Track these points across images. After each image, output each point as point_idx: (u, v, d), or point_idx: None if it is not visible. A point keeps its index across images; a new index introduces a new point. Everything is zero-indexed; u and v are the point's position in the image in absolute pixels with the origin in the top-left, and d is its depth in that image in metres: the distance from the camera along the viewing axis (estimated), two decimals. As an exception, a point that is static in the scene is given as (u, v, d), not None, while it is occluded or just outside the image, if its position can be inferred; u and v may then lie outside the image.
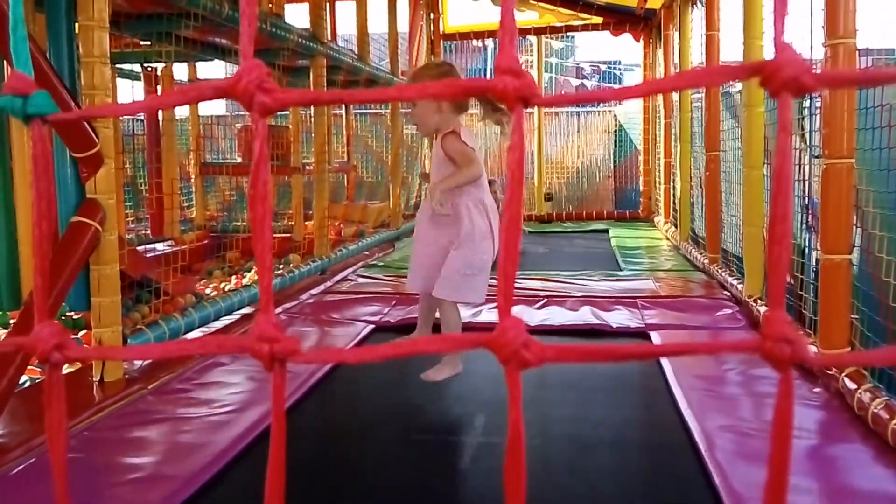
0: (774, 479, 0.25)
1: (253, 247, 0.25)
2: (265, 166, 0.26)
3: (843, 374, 2.30)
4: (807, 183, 3.20)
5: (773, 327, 0.24)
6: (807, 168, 3.22)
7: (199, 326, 3.21)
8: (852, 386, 2.21)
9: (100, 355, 0.35)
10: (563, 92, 13.82)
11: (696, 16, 5.47)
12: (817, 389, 2.38)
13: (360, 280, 4.63)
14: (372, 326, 3.41)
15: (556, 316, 3.55)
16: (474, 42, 10.79)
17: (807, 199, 3.19)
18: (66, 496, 0.29)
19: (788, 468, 0.26)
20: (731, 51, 5.15)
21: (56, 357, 0.27)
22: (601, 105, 14.03)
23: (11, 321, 3.35)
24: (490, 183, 5.07)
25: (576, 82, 14.45)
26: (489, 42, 11.22)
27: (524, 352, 0.25)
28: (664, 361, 2.79)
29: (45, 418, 0.30)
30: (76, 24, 2.66)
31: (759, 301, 3.39)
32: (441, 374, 2.40)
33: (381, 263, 5.34)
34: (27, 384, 2.65)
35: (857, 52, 2.46)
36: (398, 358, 0.28)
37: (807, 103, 3.38)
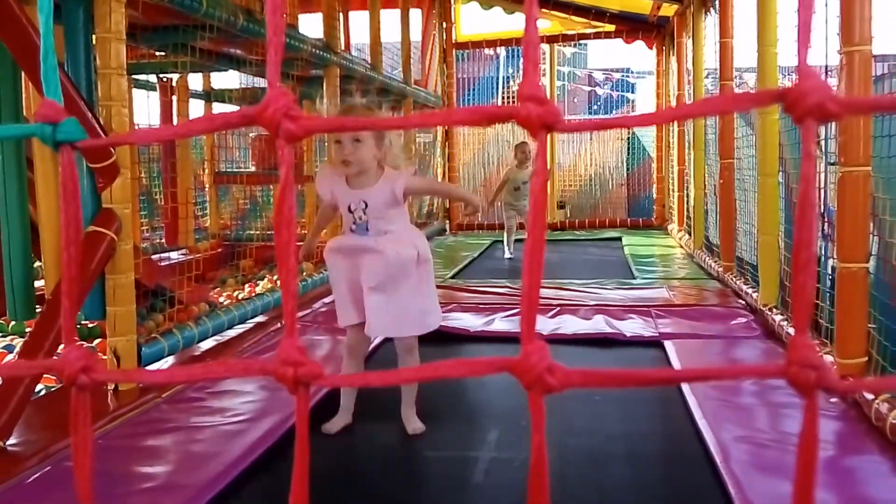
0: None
1: (279, 272, 0.26)
2: (291, 192, 0.26)
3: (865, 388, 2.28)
4: (822, 191, 3.17)
5: (799, 353, 0.24)
6: (822, 176, 3.20)
7: (212, 335, 3.23)
8: (869, 396, 2.19)
9: (126, 378, 0.35)
10: (574, 99, 13.80)
11: (710, 23, 5.46)
12: (834, 400, 2.36)
13: (373, 288, 4.63)
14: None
15: (569, 325, 3.54)
16: (486, 51, 10.82)
17: (822, 207, 3.17)
18: (92, 516, 0.29)
19: (814, 494, 0.26)
20: (744, 58, 5.12)
21: (83, 380, 0.28)
22: (613, 112, 14.01)
23: (27, 329, 3.38)
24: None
25: (587, 90, 14.44)
26: (501, 51, 11.24)
27: (548, 377, 0.25)
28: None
29: (71, 440, 0.30)
30: (93, 36, 2.70)
31: (774, 310, 3.36)
32: (336, 427, 2.28)
33: (394, 272, 5.34)
34: (42, 393, 2.67)
35: (873, 58, 2.45)
36: (423, 381, 0.28)
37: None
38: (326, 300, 4.21)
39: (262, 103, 0.26)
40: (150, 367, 2.87)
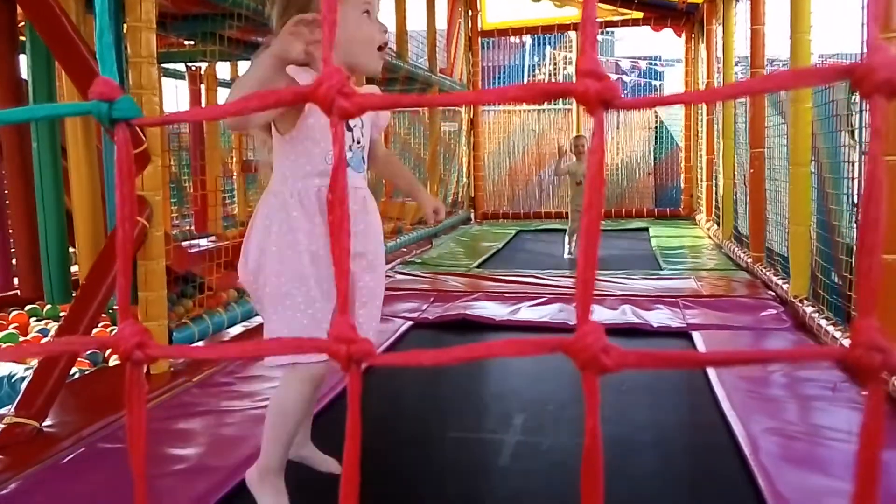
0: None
1: (332, 250, 0.26)
2: (344, 170, 0.26)
3: (894, 377, 2.24)
4: (856, 181, 3.11)
5: (864, 335, 0.24)
6: (857, 166, 3.13)
7: (241, 321, 3.27)
8: (904, 390, 2.15)
9: (180, 353, 0.36)
10: (602, 88, 13.69)
11: (741, 9, 5.36)
12: (866, 392, 2.32)
13: (399, 276, 4.65)
14: (410, 323, 3.43)
15: (596, 315, 3.52)
16: (512, 39, 10.74)
17: (857, 197, 3.10)
18: (145, 498, 0.30)
19: (878, 489, 0.26)
20: (777, 46, 5.02)
21: (137, 355, 0.28)
22: (641, 101, 13.82)
23: (62, 314, 3.45)
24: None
25: (614, 78, 14.29)
26: (527, 39, 11.16)
27: (603, 357, 0.25)
28: (706, 362, 2.74)
29: (126, 417, 0.31)
30: (124, 25, 2.73)
31: (805, 301, 3.31)
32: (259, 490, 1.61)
33: (419, 260, 5.36)
34: (76, 375, 2.73)
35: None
36: (473, 360, 0.28)
37: (855, 97, 3.28)
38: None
39: (316, 80, 0.26)
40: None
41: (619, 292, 3.98)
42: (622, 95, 0.25)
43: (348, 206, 0.26)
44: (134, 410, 0.29)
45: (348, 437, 0.27)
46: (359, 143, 1.45)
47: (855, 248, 3.04)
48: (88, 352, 3.08)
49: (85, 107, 0.27)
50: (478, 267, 5.12)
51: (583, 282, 0.26)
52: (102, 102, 0.26)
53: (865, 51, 0.24)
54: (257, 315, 3.42)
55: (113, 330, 3.52)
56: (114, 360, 3.09)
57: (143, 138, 2.66)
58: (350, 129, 1.40)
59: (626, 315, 3.49)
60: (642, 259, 5.40)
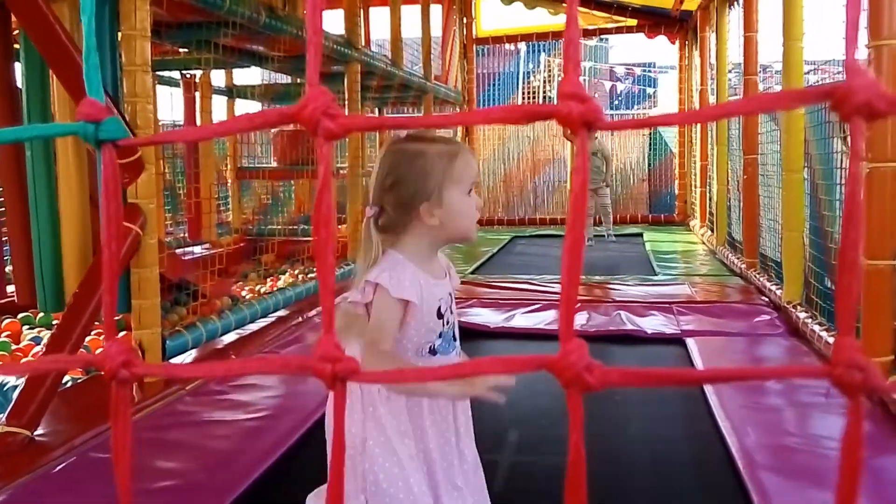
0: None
1: (317, 269, 0.26)
2: (329, 191, 0.26)
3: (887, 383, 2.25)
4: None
5: (844, 354, 0.24)
6: (848, 171, 3.15)
7: (235, 328, 3.26)
8: (897, 396, 2.15)
9: (166, 373, 0.35)
10: (595, 94, 13.72)
11: (734, 17, 5.39)
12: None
13: (393, 284, 4.64)
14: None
15: (591, 321, 3.52)
16: (507, 46, 10.78)
17: (849, 203, 3.12)
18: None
19: (857, 502, 0.26)
20: (769, 53, 5.05)
21: (123, 374, 0.28)
22: (635, 107, 13.89)
23: (55, 322, 3.43)
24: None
25: (609, 84, 14.34)
26: (521, 46, 11.19)
27: (587, 375, 0.25)
28: (700, 369, 2.74)
29: (112, 435, 0.31)
30: (119, 33, 2.73)
31: (798, 307, 3.32)
32: None
33: (414, 267, 5.35)
34: (69, 384, 2.72)
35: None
36: (458, 378, 0.28)
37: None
38: (347, 295, 4.22)
39: (302, 102, 0.26)
40: (175, 360, 2.90)
41: (614, 298, 3.99)
42: (604, 116, 0.25)
43: (333, 228, 0.26)
44: (119, 429, 0.29)
45: (333, 453, 0.27)
46: (448, 323, 1.38)
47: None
48: (81, 360, 3.06)
49: (71, 128, 0.27)
50: (472, 273, 5.12)
51: (565, 300, 0.26)
52: (89, 124, 0.26)
53: (844, 72, 0.24)
54: (251, 323, 3.41)
55: (106, 338, 3.50)
56: (107, 369, 3.08)
57: (138, 147, 2.66)
58: (441, 316, 1.34)
59: (621, 321, 3.49)
60: (637, 264, 5.41)
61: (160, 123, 5.61)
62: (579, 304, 3.83)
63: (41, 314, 3.69)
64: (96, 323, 3.40)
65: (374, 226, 1.28)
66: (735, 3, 5.30)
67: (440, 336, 1.35)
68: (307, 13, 0.27)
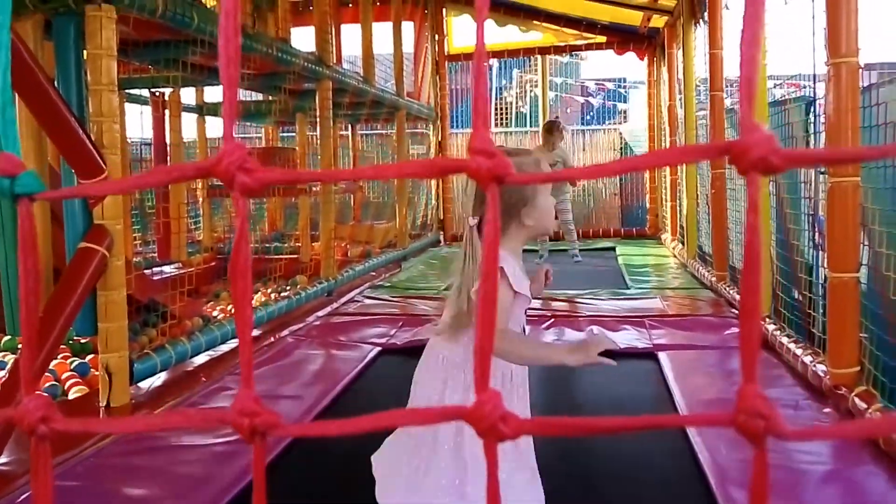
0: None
1: (235, 321, 0.26)
2: (247, 244, 0.26)
3: (853, 394, 2.28)
4: (813, 201, 3.19)
5: (747, 402, 0.24)
6: (813, 186, 3.22)
7: (205, 350, 3.22)
8: (862, 406, 2.19)
9: (84, 427, 0.35)
10: (567, 110, 13.85)
11: (700, 34, 5.50)
12: (827, 410, 2.36)
13: (367, 301, 4.63)
14: (378, 349, 3.41)
15: (564, 336, 3.53)
16: (479, 62, 10.79)
17: (813, 216, 3.18)
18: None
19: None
20: (734, 69, 5.15)
21: (42, 430, 0.28)
22: (606, 123, 14.06)
23: (19, 347, 3.36)
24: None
25: (581, 100, 14.50)
26: (493, 62, 11.27)
27: (501, 426, 0.25)
28: (672, 383, 2.77)
29: (31, 490, 0.30)
30: (84, 52, 2.70)
31: (767, 319, 3.37)
32: None
33: (388, 284, 5.35)
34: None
35: (861, 68, 2.47)
36: (377, 430, 0.28)
37: (812, 118, 3.38)
38: (320, 314, 4.20)
39: (217, 156, 0.26)
40: (143, 383, 2.85)
41: (586, 313, 4.01)
42: (512, 170, 0.25)
43: (250, 283, 0.26)
44: (40, 485, 0.29)
45: (255, 508, 0.27)
46: (526, 323, 1.61)
47: (812, 267, 3.11)
48: (47, 385, 3.00)
49: (-13, 182, 0.27)
50: (447, 290, 5.10)
51: (480, 350, 0.26)
52: (4, 178, 0.26)
53: (742, 131, 0.25)
54: (222, 343, 3.37)
55: (73, 361, 3.44)
56: (73, 393, 3.02)
57: (104, 167, 2.63)
58: (525, 313, 1.59)
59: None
60: (610, 278, 5.45)
61: (129, 141, 5.55)
62: (552, 319, 3.84)
63: (7, 338, 3.61)
64: (62, 346, 3.33)
65: (476, 233, 1.46)
66: (700, 20, 5.41)
67: (523, 331, 1.58)
68: (221, 69, 0.27)
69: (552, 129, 5.64)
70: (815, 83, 3.41)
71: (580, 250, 6.14)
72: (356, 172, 0.33)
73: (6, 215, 2.71)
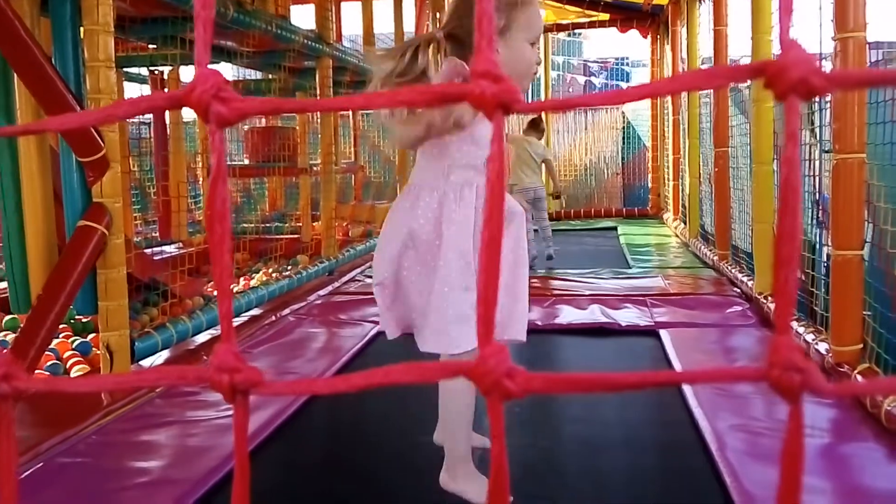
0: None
1: (212, 270, 0.24)
2: (224, 183, 0.24)
3: (856, 372, 2.27)
4: (817, 178, 3.16)
5: (782, 354, 0.22)
6: (817, 163, 3.18)
7: (206, 329, 3.21)
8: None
9: (50, 386, 0.33)
10: (570, 91, 13.73)
11: (704, 11, 5.42)
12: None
13: (368, 280, 4.61)
14: (379, 327, 3.40)
15: (565, 314, 3.52)
16: (481, 40, 10.67)
17: (817, 194, 3.15)
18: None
19: (800, 498, 0.24)
20: (739, 46, 5.09)
21: (3, 388, 0.26)
22: (609, 102, 13.94)
23: (21, 326, 3.35)
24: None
25: (583, 79, 14.38)
26: (496, 40, 11.15)
27: (507, 382, 0.23)
28: (674, 359, 2.76)
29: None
30: (81, 29, 2.66)
31: (769, 298, 3.35)
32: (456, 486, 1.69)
33: (389, 263, 5.32)
34: (35, 388, 2.66)
35: (868, 45, 2.43)
36: (371, 388, 0.26)
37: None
38: (321, 293, 4.19)
39: (190, 84, 0.24)
40: (144, 362, 2.85)
41: (588, 292, 3.99)
42: (521, 97, 0.23)
43: (228, 225, 0.24)
44: (2, 447, 0.27)
45: (236, 471, 0.25)
46: None
47: (815, 244, 3.08)
48: (48, 364, 2.99)
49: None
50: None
51: (483, 301, 0.24)
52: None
53: (780, 50, 0.22)
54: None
55: (74, 340, 3.43)
56: (75, 372, 3.01)
57: (101, 144, 2.60)
58: None
59: (596, 314, 3.50)
60: (611, 258, 5.43)
61: (128, 120, 5.50)
62: (553, 298, 3.83)
63: (8, 317, 3.60)
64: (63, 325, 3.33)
65: (443, 45, 1.46)
66: (705, -4, 5.34)
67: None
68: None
69: (537, 125, 5.39)
70: (819, 62, 3.36)
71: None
72: (344, 102, 0.30)
73: (7, 192, 2.69)
